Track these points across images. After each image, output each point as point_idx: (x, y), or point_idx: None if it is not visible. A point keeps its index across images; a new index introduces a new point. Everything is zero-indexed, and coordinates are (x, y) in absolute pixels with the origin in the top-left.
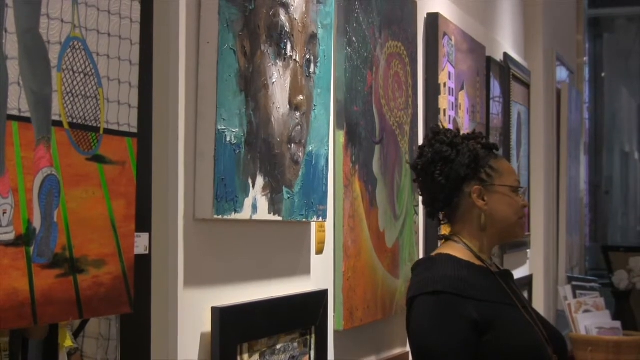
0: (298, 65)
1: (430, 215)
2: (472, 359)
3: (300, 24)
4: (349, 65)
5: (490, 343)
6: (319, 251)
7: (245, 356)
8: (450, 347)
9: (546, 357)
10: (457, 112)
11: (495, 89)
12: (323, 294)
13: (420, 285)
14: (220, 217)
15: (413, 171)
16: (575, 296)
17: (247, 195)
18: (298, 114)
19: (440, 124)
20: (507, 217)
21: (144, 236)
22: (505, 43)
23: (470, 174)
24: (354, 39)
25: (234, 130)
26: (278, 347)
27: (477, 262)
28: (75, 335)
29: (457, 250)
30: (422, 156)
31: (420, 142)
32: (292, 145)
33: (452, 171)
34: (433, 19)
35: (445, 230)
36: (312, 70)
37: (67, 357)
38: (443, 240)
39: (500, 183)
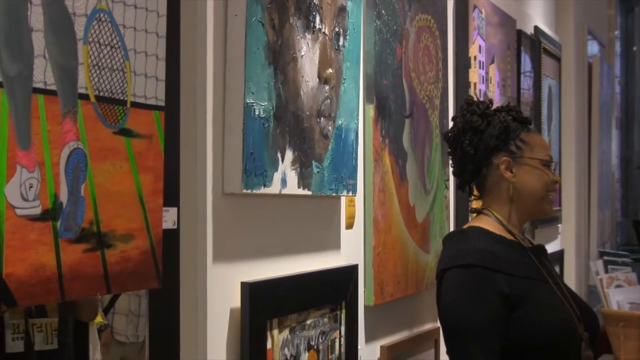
0: (327, 38)
1: (460, 186)
2: (503, 332)
3: None
4: (379, 38)
5: (521, 319)
6: (349, 226)
7: (275, 332)
8: (481, 320)
9: (577, 333)
10: (487, 85)
11: (526, 62)
12: (353, 268)
13: (452, 258)
14: (249, 191)
15: (444, 140)
16: (606, 271)
17: (276, 170)
18: (327, 87)
19: (473, 94)
20: (535, 190)
21: (172, 210)
22: (536, 16)
23: (499, 145)
24: (383, 11)
25: (262, 103)
26: (308, 322)
27: (509, 236)
28: (105, 311)
29: (488, 223)
30: (454, 126)
31: (451, 115)
32: (322, 119)
33: (481, 142)
34: None
35: (476, 204)
36: (341, 43)
37: (97, 333)
38: (475, 214)
39: (530, 156)
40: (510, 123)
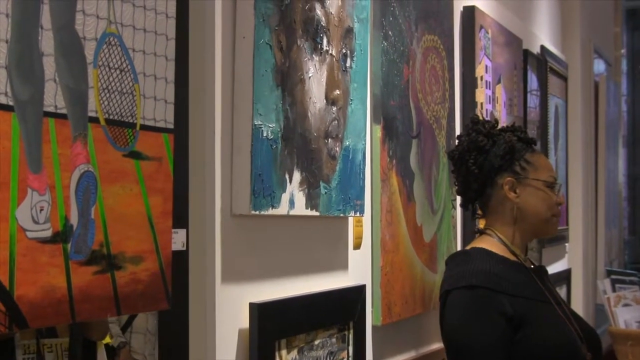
0: (334, 59)
1: (463, 205)
2: (507, 353)
3: (336, 18)
4: (385, 59)
5: (524, 340)
6: (357, 246)
7: (284, 352)
8: (485, 343)
9: (580, 354)
10: (494, 105)
11: (533, 82)
12: (361, 289)
13: (455, 279)
14: (257, 212)
15: (449, 159)
16: (614, 290)
17: (284, 191)
18: (334, 108)
19: (480, 114)
20: (539, 211)
21: (181, 232)
22: (542, 36)
23: (504, 165)
24: (390, 32)
25: (270, 125)
26: (316, 342)
27: (512, 257)
28: (123, 330)
29: (491, 244)
30: (459, 144)
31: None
32: (329, 140)
33: (486, 161)
34: (469, 12)
35: (481, 224)
36: (348, 64)
37: (116, 350)
38: (478, 234)
39: (534, 177)
40: (515, 143)
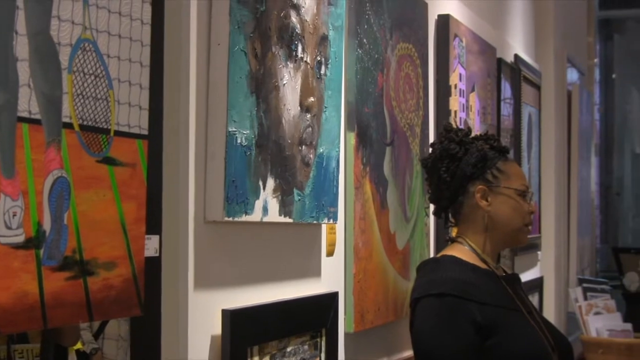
0: (309, 66)
1: (436, 213)
2: None
3: (311, 26)
4: (360, 67)
5: (493, 348)
6: (330, 253)
7: (256, 359)
8: (454, 351)
9: None
10: (467, 113)
11: (506, 90)
12: (334, 296)
13: (425, 287)
14: (230, 219)
15: (422, 167)
16: (586, 298)
17: (257, 197)
18: (309, 115)
19: (454, 122)
20: (510, 220)
21: (155, 238)
22: (516, 44)
23: (475, 174)
24: (365, 40)
25: (244, 132)
26: (288, 349)
27: (483, 265)
28: (96, 336)
29: (462, 252)
30: (432, 152)
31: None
32: (303, 147)
33: (458, 169)
34: (444, 21)
35: (454, 232)
36: (323, 71)
37: (89, 356)
38: (450, 243)
39: (506, 185)
40: (487, 152)
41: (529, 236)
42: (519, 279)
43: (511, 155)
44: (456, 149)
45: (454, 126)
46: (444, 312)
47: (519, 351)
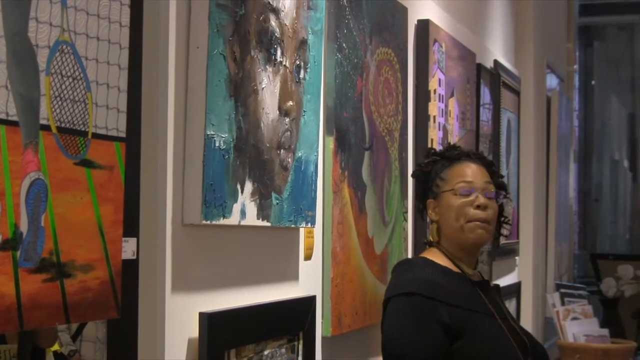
0: (288, 70)
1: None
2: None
3: (290, 30)
4: (339, 71)
5: (461, 350)
6: (307, 257)
7: None
8: (421, 350)
9: None
10: (447, 119)
11: (486, 96)
12: (311, 300)
13: (395, 287)
14: (208, 222)
15: None
16: (563, 303)
17: (235, 201)
18: (287, 119)
19: (431, 143)
20: (449, 223)
21: (132, 241)
22: (496, 50)
23: (424, 190)
24: (344, 45)
25: (223, 135)
26: (266, 353)
27: (456, 269)
28: (74, 338)
29: (437, 255)
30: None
31: (410, 148)
32: (282, 150)
33: (418, 191)
34: (424, 26)
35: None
36: (302, 75)
37: (67, 358)
38: (428, 247)
39: (444, 189)
40: (434, 165)
41: (507, 241)
42: (498, 288)
43: (471, 157)
44: (418, 172)
45: (430, 150)
46: (412, 311)
47: (486, 354)
